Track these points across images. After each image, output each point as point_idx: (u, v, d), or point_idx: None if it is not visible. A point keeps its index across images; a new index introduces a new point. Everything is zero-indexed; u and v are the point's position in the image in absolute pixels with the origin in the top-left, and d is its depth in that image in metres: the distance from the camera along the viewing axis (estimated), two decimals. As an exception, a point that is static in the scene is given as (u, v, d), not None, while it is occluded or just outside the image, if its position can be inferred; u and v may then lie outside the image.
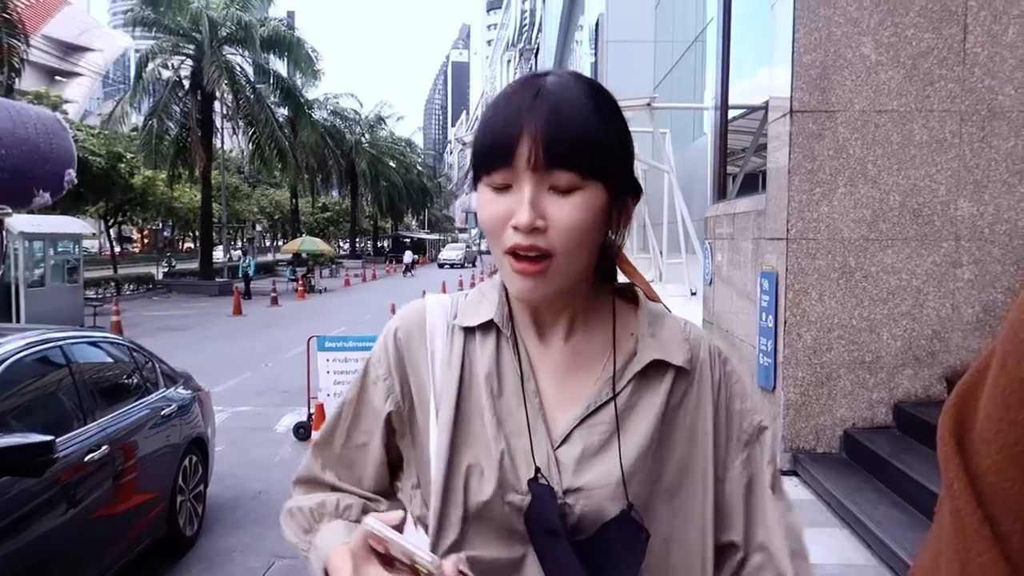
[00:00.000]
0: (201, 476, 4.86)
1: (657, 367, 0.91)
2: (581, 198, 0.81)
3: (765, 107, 5.50)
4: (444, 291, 1.06)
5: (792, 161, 4.67)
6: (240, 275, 25.86)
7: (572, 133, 0.80)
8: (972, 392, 0.43)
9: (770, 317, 4.85)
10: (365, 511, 0.95)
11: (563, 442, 0.89)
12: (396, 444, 0.97)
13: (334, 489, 0.99)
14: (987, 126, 4.60)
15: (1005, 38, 4.56)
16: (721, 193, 7.01)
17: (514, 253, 0.82)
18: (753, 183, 6.15)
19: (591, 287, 0.94)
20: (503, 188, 0.83)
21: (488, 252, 0.90)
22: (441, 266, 47.99)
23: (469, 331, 0.95)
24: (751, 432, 0.94)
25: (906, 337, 4.69)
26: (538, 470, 0.86)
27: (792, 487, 4.50)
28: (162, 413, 4.37)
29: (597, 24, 25.25)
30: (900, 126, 4.63)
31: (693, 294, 11.24)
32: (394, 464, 0.99)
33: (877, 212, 4.66)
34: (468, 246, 57.35)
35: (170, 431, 4.40)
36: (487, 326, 0.94)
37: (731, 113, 7.09)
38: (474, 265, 47.67)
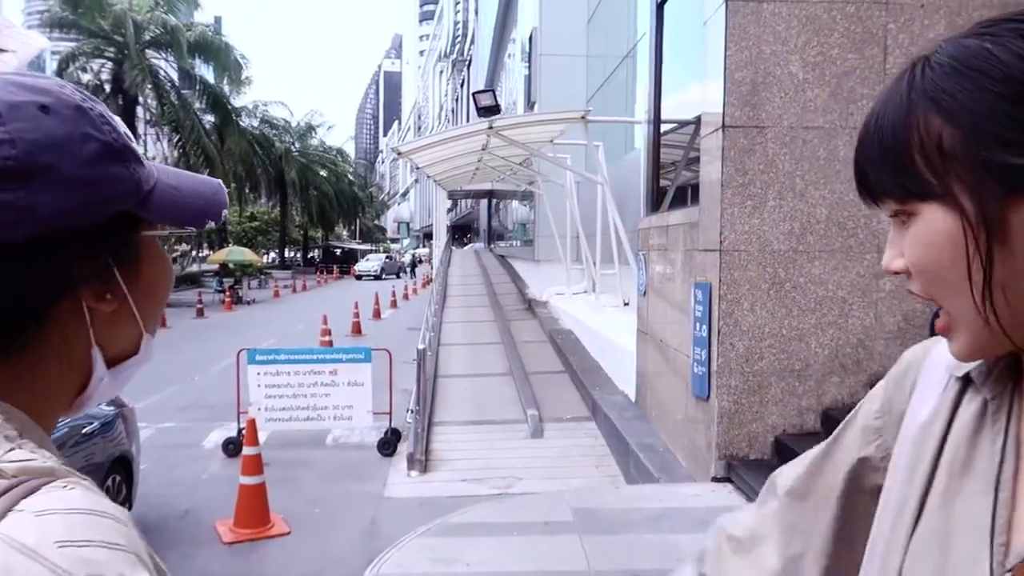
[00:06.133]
0: (125, 496, 4.66)
1: None
2: (915, 228, 0.62)
3: (696, 121, 5.63)
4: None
5: (724, 175, 4.78)
6: None
7: (871, 149, 0.62)
8: None
9: (704, 327, 4.95)
10: None
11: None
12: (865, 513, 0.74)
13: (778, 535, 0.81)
14: (906, 143, 4.81)
15: (922, 60, 4.78)
16: (654, 205, 7.13)
17: None
18: (683, 196, 6.28)
19: None
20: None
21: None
22: (359, 278, 44.37)
23: (962, 381, 0.70)
24: None
25: (833, 346, 4.85)
26: None
27: (727, 494, 4.59)
28: (83, 431, 4.18)
29: (531, 38, 25.50)
30: (826, 142, 4.80)
31: (626, 304, 11.40)
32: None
33: (805, 225, 4.81)
34: (389, 257, 53.74)
35: (92, 450, 4.21)
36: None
37: (663, 127, 7.24)
38: (398, 276, 44.64)
